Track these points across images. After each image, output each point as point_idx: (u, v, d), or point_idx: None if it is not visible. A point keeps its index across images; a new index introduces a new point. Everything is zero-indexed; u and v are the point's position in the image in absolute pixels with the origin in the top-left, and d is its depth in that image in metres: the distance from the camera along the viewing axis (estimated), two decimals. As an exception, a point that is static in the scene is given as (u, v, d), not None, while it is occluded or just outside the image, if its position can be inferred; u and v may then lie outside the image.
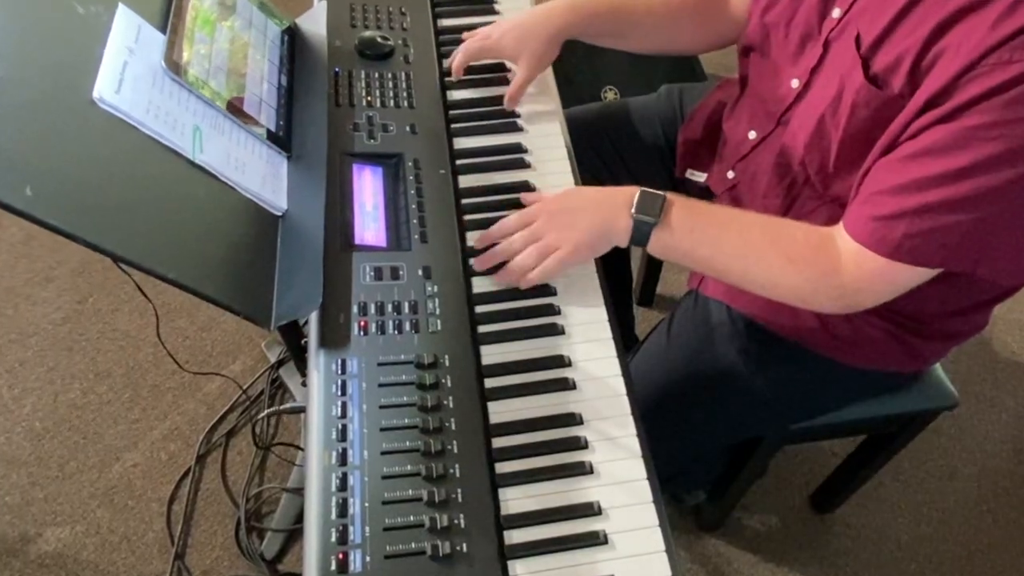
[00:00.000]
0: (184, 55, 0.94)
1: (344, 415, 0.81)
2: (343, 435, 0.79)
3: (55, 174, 0.74)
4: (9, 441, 1.71)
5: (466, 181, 1.07)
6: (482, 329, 0.93)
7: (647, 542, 0.79)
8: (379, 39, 1.16)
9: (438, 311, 0.90)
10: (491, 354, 0.91)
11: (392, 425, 0.80)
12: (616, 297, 1.01)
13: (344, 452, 0.78)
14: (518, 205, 1.04)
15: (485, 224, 1.02)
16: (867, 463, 1.50)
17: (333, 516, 0.74)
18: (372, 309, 0.89)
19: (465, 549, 0.74)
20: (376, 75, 1.13)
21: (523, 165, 1.10)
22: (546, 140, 1.13)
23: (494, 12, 1.31)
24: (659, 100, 1.36)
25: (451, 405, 0.83)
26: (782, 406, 1.19)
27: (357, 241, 0.95)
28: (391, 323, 0.88)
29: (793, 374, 1.13)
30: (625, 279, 1.73)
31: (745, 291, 1.01)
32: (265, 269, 0.91)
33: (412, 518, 0.75)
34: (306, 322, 0.91)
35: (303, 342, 1.18)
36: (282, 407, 1.72)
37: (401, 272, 0.93)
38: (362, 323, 0.88)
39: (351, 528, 0.74)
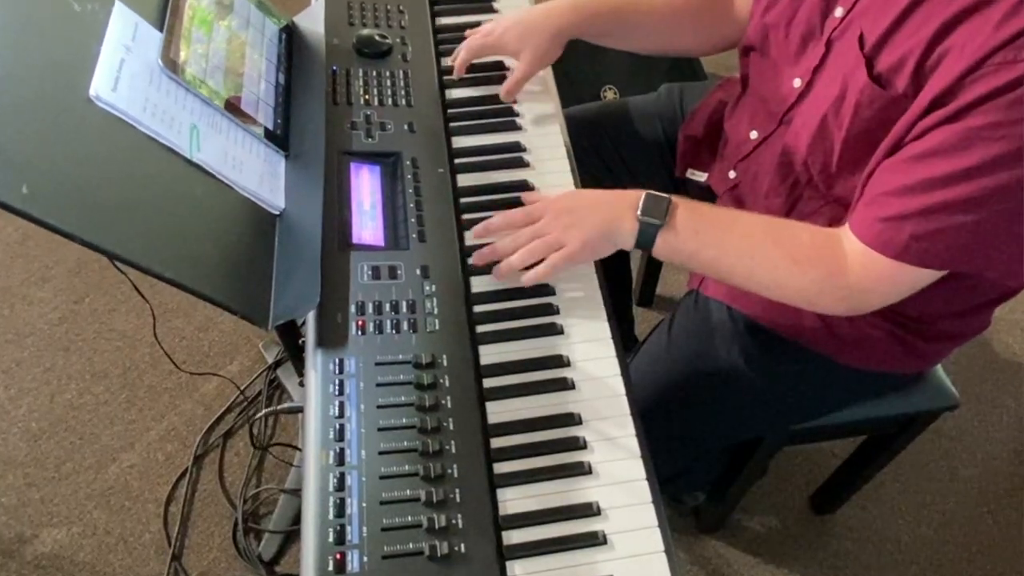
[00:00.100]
0: (181, 54, 0.94)
1: (342, 415, 0.80)
2: (340, 435, 0.79)
3: (51, 172, 0.74)
4: (5, 442, 1.71)
5: (465, 180, 1.07)
6: (480, 329, 0.93)
7: (646, 542, 0.78)
8: (377, 37, 1.16)
9: (436, 311, 0.89)
10: (490, 354, 0.91)
11: (390, 425, 0.80)
12: (616, 297, 1.01)
13: (342, 452, 0.78)
14: (517, 204, 1.04)
15: (484, 223, 1.02)
16: (867, 464, 1.50)
17: (330, 516, 0.74)
18: (370, 308, 0.88)
19: (463, 549, 0.74)
20: (374, 73, 1.13)
21: (522, 164, 1.09)
22: (545, 139, 1.13)
23: (492, 11, 1.30)
24: (659, 99, 1.36)
25: (449, 405, 0.82)
26: (782, 406, 1.19)
27: (355, 240, 0.95)
28: (389, 323, 0.88)
29: (794, 374, 1.13)
30: (625, 279, 1.73)
31: (746, 291, 1.00)
32: (263, 268, 0.91)
33: (410, 518, 0.74)
34: (304, 322, 0.90)
35: (300, 342, 1.17)
36: (280, 407, 1.72)
37: (399, 271, 0.92)
38: (360, 323, 0.87)
39: (348, 528, 0.73)
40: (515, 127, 1.14)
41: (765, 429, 1.27)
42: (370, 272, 0.92)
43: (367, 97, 1.10)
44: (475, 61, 1.17)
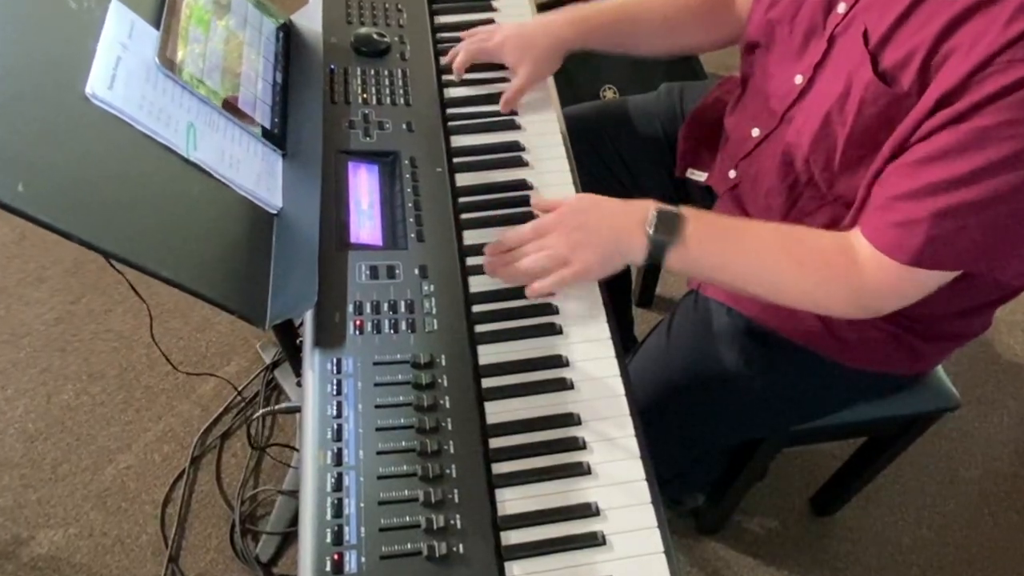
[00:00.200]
0: (179, 53, 0.94)
1: (339, 415, 0.80)
2: (338, 435, 0.78)
3: (47, 170, 0.74)
4: (1, 443, 1.70)
5: (463, 179, 1.06)
6: (479, 328, 0.92)
7: (646, 543, 0.78)
8: (375, 36, 1.15)
9: (434, 310, 0.89)
10: (488, 354, 0.90)
11: (388, 425, 0.79)
12: (615, 298, 1.01)
13: (339, 452, 0.77)
14: (516, 203, 1.04)
15: (483, 223, 1.02)
16: (868, 465, 1.49)
17: (328, 516, 0.73)
18: (368, 308, 0.88)
19: (462, 550, 0.73)
20: (372, 72, 1.12)
21: (521, 163, 1.09)
22: (544, 139, 1.12)
23: (491, 9, 1.30)
24: (659, 99, 1.35)
25: (447, 405, 0.82)
26: (782, 407, 1.18)
27: (353, 240, 0.94)
28: (387, 322, 0.87)
29: (793, 375, 1.13)
30: (624, 280, 1.73)
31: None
32: (260, 268, 0.90)
33: (408, 519, 0.74)
34: (301, 322, 0.90)
35: (298, 342, 1.17)
36: (277, 407, 1.71)
37: (397, 271, 0.92)
38: (358, 322, 0.87)
39: (346, 529, 0.73)
40: (514, 126, 1.13)
41: (764, 430, 1.26)
42: (368, 272, 0.91)
43: (365, 96, 1.09)
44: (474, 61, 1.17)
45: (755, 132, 1.10)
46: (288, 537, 1.58)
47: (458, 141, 1.11)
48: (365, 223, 0.97)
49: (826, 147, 0.95)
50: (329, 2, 1.20)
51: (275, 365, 1.79)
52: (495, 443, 0.83)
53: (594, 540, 0.77)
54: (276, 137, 1.02)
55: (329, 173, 0.99)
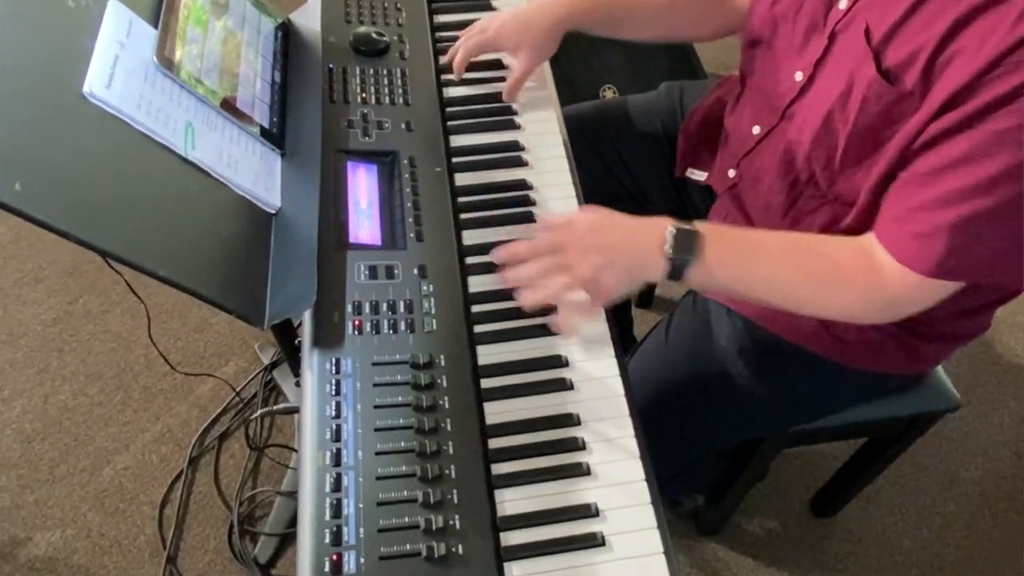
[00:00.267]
0: (177, 53, 0.93)
1: (338, 415, 0.80)
2: (337, 435, 0.78)
3: (45, 169, 0.74)
4: (-1, 444, 1.70)
5: (462, 179, 1.06)
6: (478, 329, 0.92)
7: (645, 544, 0.78)
8: (374, 35, 1.15)
9: (434, 310, 0.89)
10: (488, 354, 0.90)
11: (387, 425, 0.79)
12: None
13: (338, 452, 0.77)
14: (515, 203, 1.04)
15: (482, 223, 1.01)
16: (868, 467, 1.49)
17: (327, 517, 0.73)
18: (367, 308, 0.88)
19: (461, 551, 0.73)
20: (371, 71, 1.12)
21: (520, 163, 1.09)
22: (543, 138, 1.12)
23: (490, 8, 1.30)
24: (659, 98, 1.35)
25: (447, 405, 0.82)
26: (782, 408, 1.18)
27: (352, 239, 0.94)
28: (386, 322, 0.87)
29: (793, 376, 1.12)
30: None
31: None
32: (258, 267, 0.90)
33: (407, 519, 0.74)
34: (300, 323, 0.89)
35: (297, 342, 1.16)
36: (276, 407, 1.71)
37: (396, 271, 0.92)
38: (356, 322, 0.86)
39: (345, 529, 0.73)
40: (513, 126, 1.13)
41: (764, 430, 1.26)
42: (367, 272, 0.91)
43: (364, 95, 1.09)
44: (473, 60, 1.16)
45: (756, 130, 1.09)
46: (287, 538, 1.58)
47: (457, 141, 1.10)
48: (364, 223, 0.97)
49: (827, 145, 0.95)
50: (328, 1, 1.19)
51: (274, 366, 1.78)
52: (494, 444, 0.83)
53: (594, 541, 0.77)
54: (275, 136, 1.02)
55: (328, 173, 0.99)
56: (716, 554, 1.61)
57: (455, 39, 1.17)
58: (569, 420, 0.85)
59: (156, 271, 0.77)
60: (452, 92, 1.16)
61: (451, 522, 0.74)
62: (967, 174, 0.79)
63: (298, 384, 0.93)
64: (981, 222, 0.79)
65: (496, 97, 1.15)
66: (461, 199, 1.03)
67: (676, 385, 1.15)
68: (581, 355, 0.91)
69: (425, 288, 0.90)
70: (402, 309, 0.88)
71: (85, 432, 1.72)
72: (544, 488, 0.81)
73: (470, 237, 1.00)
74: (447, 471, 0.77)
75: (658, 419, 1.10)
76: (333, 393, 0.81)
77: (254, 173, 0.95)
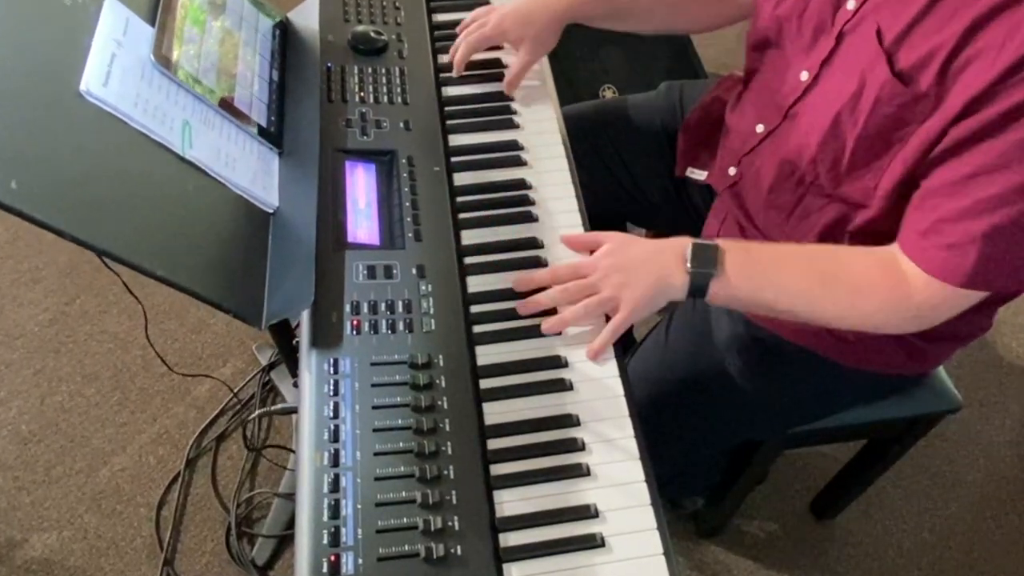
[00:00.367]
0: (174, 52, 0.93)
1: (336, 416, 0.79)
2: (335, 436, 0.78)
3: (41, 168, 0.73)
4: (-5, 445, 1.69)
5: (461, 179, 1.06)
6: (477, 329, 0.91)
7: (645, 545, 0.77)
8: (372, 34, 1.15)
9: (432, 310, 0.88)
10: (486, 354, 0.90)
11: (385, 426, 0.79)
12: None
13: (336, 453, 0.77)
14: (514, 203, 1.03)
15: (481, 222, 1.01)
16: (868, 468, 1.49)
17: (325, 518, 0.73)
18: (365, 308, 0.87)
19: (459, 552, 0.73)
20: (369, 70, 1.12)
21: (519, 163, 1.08)
22: (543, 138, 1.12)
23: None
24: (659, 97, 1.35)
25: (445, 406, 0.81)
26: (782, 409, 1.18)
27: (350, 239, 0.94)
28: (384, 322, 0.87)
29: (793, 377, 1.12)
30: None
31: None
32: (256, 267, 0.90)
33: (405, 520, 0.73)
34: (298, 323, 0.89)
35: (295, 342, 1.16)
36: (273, 408, 1.70)
37: (395, 271, 0.91)
38: (355, 322, 0.86)
39: (343, 530, 0.72)
40: (512, 125, 1.13)
41: (764, 431, 1.26)
42: (365, 271, 0.90)
43: (362, 94, 1.09)
44: (472, 58, 1.16)
45: (759, 128, 1.09)
46: (284, 540, 1.57)
47: (456, 140, 1.10)
48: (362, 222, 0.96)
49: (835, 147, 0.94)
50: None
51: (271, 366, 1.78)
52: (493, 444, 0.82)
53: (593, 542, 0.77)
54: (272, 135, 1.02)
55: (326, 172, 0.98)
56: (716, 556, 1.60)
57: (454, 38, 1.17)
58: (568, 421, 0.85)
59: (153, 270, 0.77)
60: (451, 91, 1.16)
61: (450, 523, 0.74)
62: (995, 182, 0.78)
63: (296, 385, 0.93)
64: (1015, 229, 0.79)
65: (495, 96, 1.15)
66: (460, 199, 1.03)
67: (676, 385, 1.14)
68: (580, 355, 0.90)
69: (424, 288, 0.90)
70: (400, 309, 0.88)
71: (82, 433, 1.71)
72: (543, 489, 0.80)
73: (469, 237, 0.99)
74: (446, 472, 0.77)
75: (658, 419, 1.09)
76: (331, 393, 0.81)
77: (252, 172, 0.95)
